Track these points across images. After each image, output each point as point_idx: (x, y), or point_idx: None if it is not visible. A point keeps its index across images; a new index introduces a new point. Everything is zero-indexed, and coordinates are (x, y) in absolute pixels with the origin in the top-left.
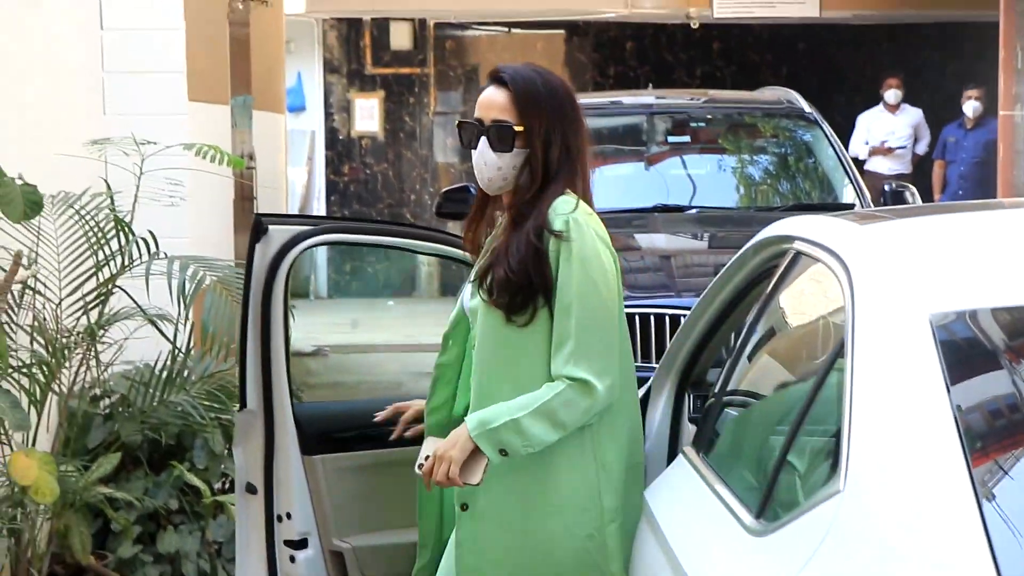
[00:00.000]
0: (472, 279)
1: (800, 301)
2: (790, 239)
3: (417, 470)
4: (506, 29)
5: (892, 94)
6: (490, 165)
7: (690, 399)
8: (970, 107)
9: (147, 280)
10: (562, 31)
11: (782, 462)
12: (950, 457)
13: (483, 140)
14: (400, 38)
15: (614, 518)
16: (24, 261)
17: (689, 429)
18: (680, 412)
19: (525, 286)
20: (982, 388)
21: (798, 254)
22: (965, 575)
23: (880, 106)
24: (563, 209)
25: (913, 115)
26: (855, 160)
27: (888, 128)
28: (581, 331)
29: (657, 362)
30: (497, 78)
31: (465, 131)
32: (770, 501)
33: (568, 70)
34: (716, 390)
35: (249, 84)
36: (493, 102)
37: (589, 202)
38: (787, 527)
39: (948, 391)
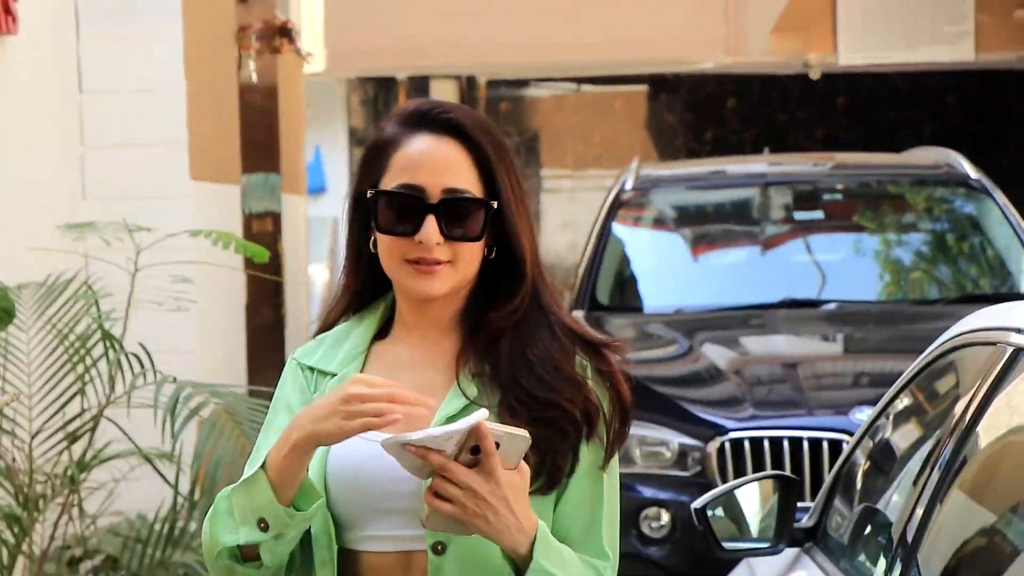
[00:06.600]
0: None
1: None
2: (1004, 331)
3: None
4: (575, 86)
5: None
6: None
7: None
8: None
9: (160, 412)
10: (645, 86)
11: None
12: None
13: (430, 220)
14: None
15: None
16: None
17: None
18: None
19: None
20: None
21: (1019, 351)
22: None
23: None
24: None
25: None
26: None
27: None
28: (611, 511)
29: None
30: (441, 120)
31: (391, 205)
32: None
33: (654, 135)
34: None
35: (269, 158)
36: (447, 161)
37: None
38: None
39: None
